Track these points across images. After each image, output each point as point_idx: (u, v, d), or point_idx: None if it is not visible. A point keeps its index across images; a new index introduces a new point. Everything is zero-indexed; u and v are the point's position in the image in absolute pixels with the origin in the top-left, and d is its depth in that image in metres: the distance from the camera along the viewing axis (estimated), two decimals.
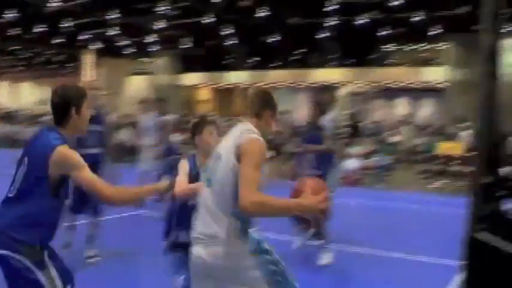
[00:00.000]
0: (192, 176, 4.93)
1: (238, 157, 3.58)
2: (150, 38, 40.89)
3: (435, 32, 35.75)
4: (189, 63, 48.24)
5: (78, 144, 5.04)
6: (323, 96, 8.57)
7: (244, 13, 31.78)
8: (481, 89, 4.04)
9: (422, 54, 43.12)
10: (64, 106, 3.85)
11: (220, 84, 46.80)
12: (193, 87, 47.70)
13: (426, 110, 48.29)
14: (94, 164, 6.48)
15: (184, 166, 5.03)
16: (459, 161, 16.88)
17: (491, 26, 3.87)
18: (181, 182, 4.90)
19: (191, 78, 47.61)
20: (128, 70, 50.40)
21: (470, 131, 17.72)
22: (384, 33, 36.76)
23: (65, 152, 3.71)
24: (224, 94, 48.65)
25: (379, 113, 47.83)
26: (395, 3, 28.33)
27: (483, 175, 3.94)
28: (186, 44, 43.24)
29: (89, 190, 3.79)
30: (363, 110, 43.97)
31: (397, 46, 43.04)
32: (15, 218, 3.66)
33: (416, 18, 31.89)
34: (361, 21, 32.86)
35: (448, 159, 16.81)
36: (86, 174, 3.74)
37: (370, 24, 33.71)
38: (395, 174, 17.08)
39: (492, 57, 3.87)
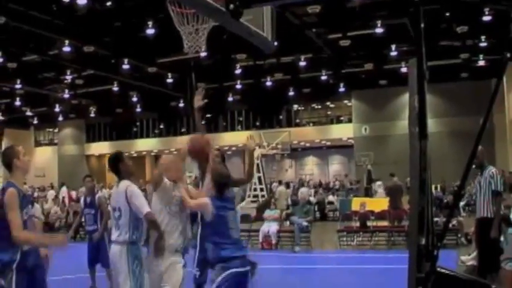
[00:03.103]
0: None
1: None
2: (55, 108, 40.21)
3: (340, 90, 36.84)
4: (96, 133, 47.66)
5: None
6: None
7: (151, 79, 31.79)
8: (411, 149, 4.07)
9: (329, 113, 44.14)
10: None
11: (130, 152, 46.25)
12: (102, 157, 46.83)
13: (336, 167, 49.29)
14: None
15: None
16: (375, 217, 17.12)
17: (417, 88, 3.93)
18: None
19: (99, 148, 46.85)
20: (32, 141, 49.27)
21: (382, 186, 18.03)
22: (290, 93, 37.53)
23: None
24: (134, 162, 48.00)
25: (290, 173, 48.43)
26: (301, 63, 29.05)
27: (419, 235, 3.94)
28: (92, 113, 42.77)
29: None
30: (274, 172, 44.50)
31: (304, 106, 43.92)
32: None
33: (322, 77, 32.76)
34: (268, 83, 33.45)
35: (364, 215, 16.99)
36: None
37: (276, 86, 34.36)
38: (313, 235, 17.08)
39: (420, 118, 3.93)
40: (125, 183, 6.05)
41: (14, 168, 5.26)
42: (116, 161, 6.23)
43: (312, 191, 29.18)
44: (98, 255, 9.72)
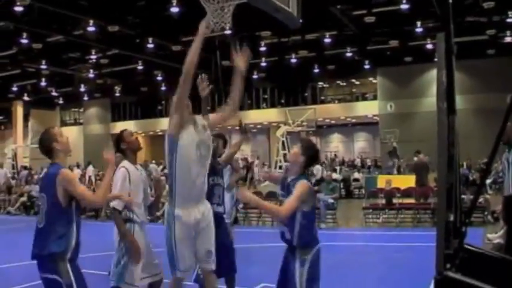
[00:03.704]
0: None
1: None
2: (81, 88, 40.46)
3: (365, 67, 36.55)
4: (121, 112, 47.89)
5: None
6: None
7: (175, 58, 31.77)
8: (439, 125, 4.03)
9: (354, 90, 43.82)
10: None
11: (155, 131, 46.42)
12: None
13: (361, 144, 49.08)
14: None
15: None
16: (401, 194, 17.05)
17: (445, 63, 3.88)
18: None
19: (124, 127, 46.94)
20: (58, 121, 49.71)
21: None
22: (315, 71, 37.32)
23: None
24: (159, 141, 48.25)
25: None
26: (326, 40, 28.85)
27: (448, 211, 3.91)
28: (117, 92, 42.96)
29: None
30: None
31: (329, 83, 43.66)
32: None
33: (347, 54, 32.51)
34: (292, 61, 33.31)
35: (389, 192, 16.93)
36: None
37: (301, 63, 34.19)
38: (339, 212, 17.07)
39: (448, 93, 3.88)
40: (120, 165, 5.96)
41: (55, 152, 4.90)
42: (117, 143, 6.16)
43: (338, 168, 29.13)
44: None
